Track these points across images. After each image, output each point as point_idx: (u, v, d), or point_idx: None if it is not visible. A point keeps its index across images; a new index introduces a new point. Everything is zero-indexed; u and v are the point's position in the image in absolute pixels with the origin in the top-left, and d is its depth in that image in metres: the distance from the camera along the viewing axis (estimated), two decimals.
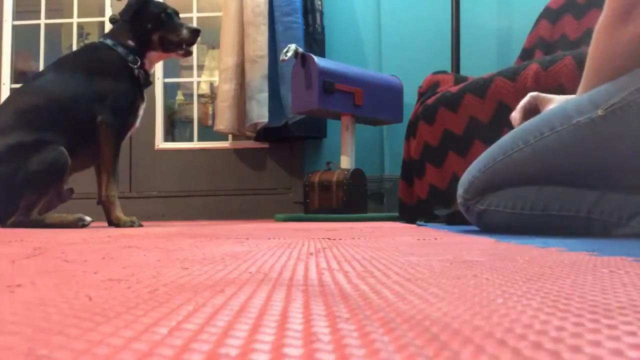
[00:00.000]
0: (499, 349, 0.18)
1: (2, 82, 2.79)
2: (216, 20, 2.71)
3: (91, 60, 1.66)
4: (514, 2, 2.63)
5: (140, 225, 1.60)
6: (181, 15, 2.82)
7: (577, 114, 0.90)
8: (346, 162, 2.28)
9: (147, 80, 1.73)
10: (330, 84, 2.13)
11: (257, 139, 2.64)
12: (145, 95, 1.73)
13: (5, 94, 2.78)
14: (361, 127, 2.49)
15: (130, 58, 1.66)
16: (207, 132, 2.93)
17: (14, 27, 2.84)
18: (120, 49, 1.67)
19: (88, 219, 1.52)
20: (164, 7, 1.74)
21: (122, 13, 1.70)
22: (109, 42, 1.68)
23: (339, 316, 0.23)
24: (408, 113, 1.99)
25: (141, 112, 1.72)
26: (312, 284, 0.34)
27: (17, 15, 2.86)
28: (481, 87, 1.60)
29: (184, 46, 1.74)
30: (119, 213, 1.62)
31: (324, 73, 2.13)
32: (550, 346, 0.18)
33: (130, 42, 1.68)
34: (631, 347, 0.18)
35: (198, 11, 2.82)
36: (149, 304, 0.26)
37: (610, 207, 0.89)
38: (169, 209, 2.76)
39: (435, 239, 0.81)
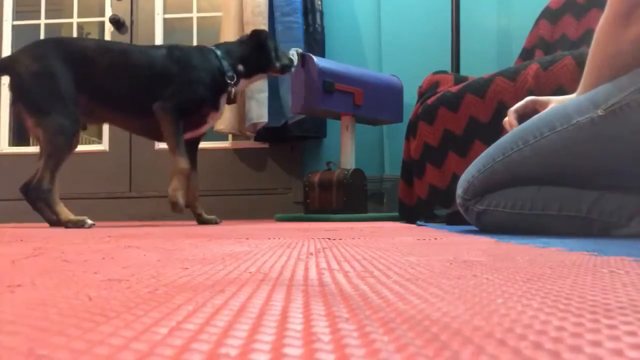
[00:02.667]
0: (499, 349, 0.18)
1: (2, 82, 2.79)
2: (216, 20, 2.71)
3: (194, 56, 1.78)
4: (514, 2, 2.63)
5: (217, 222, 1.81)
6: (181, 16, 2.85)
7: (577, 114, 0.90)
8: (346, 162, 2.28)
9: (232, 99, 1.85)
10: (330, 84, 2.13)
11: (257, 139, 2.64)
12: (221, 109, 1.85)
13: (5, 94, 2.79)
14: (361, 127, 2.49)
15: (230, 74, 1.80)
16: (207, 132, 2.93)
17: (14, 27, 2.84)
18: (225, 63, 1.80)
19: (90, 221, 1.53)
20: (275, 45, 1.93)
21: (246, 39, 1.90)
22: (219, 52, 1.82)
23: (339, 316, 0.23)
24: (408, 113, 1.99)
25: (210, 121, 1.84)
26: (312, 284, 0.34)
27: (17, 15, 2.86)
28: (481, 87, 1.60)
29: (282, 72, 1.96)
30: (174, 185, 1.72)
31: (324, 73, 2.13)
32: (550, 346, 0.18)
33: (240, 66, 1.84)
34: (631, 347, 0.18)
35: (198, 11, 2.82)
36: (149, 304, 0.26)
37: (610, 207, 0.89)
38: (169, 209, 2.75)
39: (435, 239, 0.81)
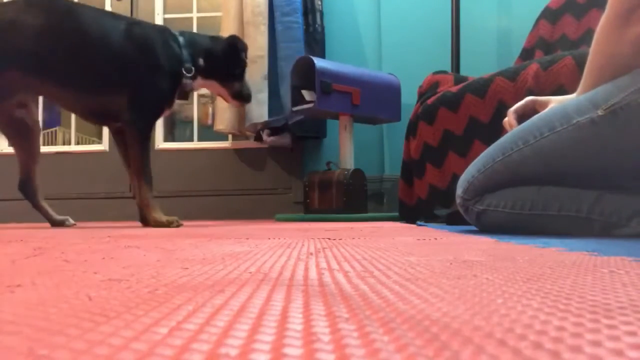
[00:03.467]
0: (499, 349, 0.18)
1: None
2: (216, 20, 2.71)
3: (153, 38, 1.56)
4: (514, 2, 2.63)
5: (180, 225, 1.53)
6: (181, 15, 2.85)
7: (577, 114, 0.90)
8: (345, 162, 2.28)
9: (184, 94, 1.66)
10: (327, 84, 2.13)
11: (257, 139, 2.64)
12: (173, 105, 1.66)
13: None
14: (361, 127, 2.49)
15: (188, 65, 1.59)
16: (207, 132, 2.93)
17: None
18: (185, 52, 1.59)
19: (72, 221, 1.53)
20: (245, 61, 1.76)
21: (221, 39, 1.70)
22: (181, 39, 1.60)
23: (339, 316, 0.23)
24: (408, 113, 1.99)
25: (164, 114, 1.65)
26: (312, 284, 0.34)
27: None
28: (481, 87, 1.60)
29: (236, 97, 1.75)
30: (156, 214, 1.53)
31: (321, 73, 2.13)
32: (550, 346, 0.18)
33: (201, 61, 1.62)
34: (631, 347, 0.18)
35: (198, 11, 2.82)
36: (149, 304, 0.26)
37: (610, 207, 0.89)
38: (169, 209, 2.75)
39: (435, 239, 0.81)
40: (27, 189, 1.68)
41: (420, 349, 0.18)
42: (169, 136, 3.11)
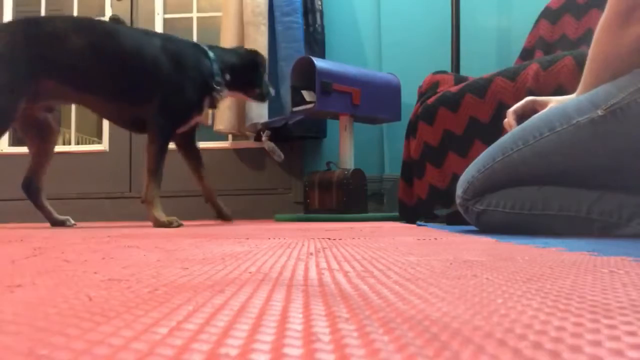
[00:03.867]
0: (499, 349, 0.18)
1: None
2: (216, 20, 2.71)
3: (186, 53, 1.69)
4: (514, 2, 2.63)
5: (180, 225, 1.58)
6: (181, 15, 2.85)
7: (577, 114, 0.90)
8: (345, 162, 2.28)
9: (215, 103, 1.80)
10: (328, 84, 2.13)
11: (257, 139, 2.64)
12: (204, 113, 1.80)
13: None
14: (361, 127, 2.49)
15: (218, 79, 1.73)
16: (207, 132, 2.93)
17: None
18: (215, 66, 1.72)
19: (72, 221, 1.54)
20: (262, 63, 1.90)
21: (243, 52, 1.86)
22: (211, 54, 1.74)
23: (339, 316, 0.23)
24: (408, 113, 1.99)
25: (192, 122, 1.77)
26: (312, 284, 0.34)
27: (17, 15, 2.86)
28: (481, 87, 1.60)
29: (258, 99, 1.95)
30: (156, 213, 1.59)
31: (321, 74, 2.13)
32: (550, 346, 0.18)
33: (227, 76, 1.77)
34: (631, 347, 0.18)
35: (198, 11, 2.82)
36: (149, 304, 0.26)
37: (610, 207, 0.89)
38: (169, 209, 2.75)
39: (435, 239, 0.81)
40: (31, 187, 1.70)
41: (420, 349, 0.18)
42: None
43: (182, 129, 1.74)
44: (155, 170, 1.63)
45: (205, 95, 1.71)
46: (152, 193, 1.61)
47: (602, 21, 0.88)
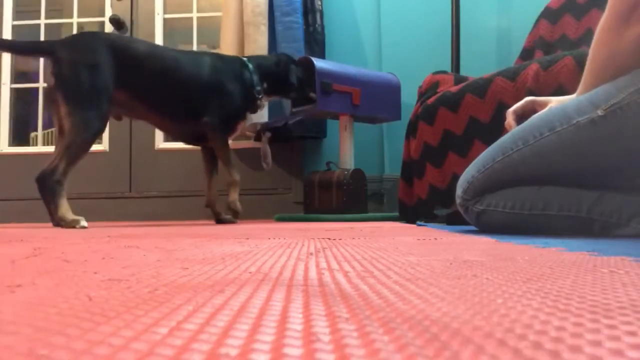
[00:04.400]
0: (499, 349, 0.18)
1: (2, 82, 2.79)
2: (216, 20, 2.71)
3: (232, 69, 1.92)
4: (514, 2, 2.63)
5: (234, 221, 1.94)
6: (181, 15, 2.85)
7: (577, 114, 0.90)
8: (345, 162, 2.28)
9: (255, 109, 2.00)
10: (328, 84, 2.13)
11: (257, 139, 2.64)
12: (247, 119, 2.06)
13: (6, 93, 2.79)
14: (361, 127, 2.49)
15: (258, 89, 1.95)
16: None
17: (14, 27, 2.84)
18: (255, 77, 1.94)
19: (84, 223, 1.52)
20: (300, 73, 2.10)
21: (278, 61, 2.02)
22: (250, 66, 1.95)
23: (339, 316, 0.23)
24: (408, 113, 1.99)
25: (238, 129, 1.97)
26: (312, 284, 0.34)
27: (17, 15, 2.86)
28: (481, 87, 1.60)
29: (298, 104, 2.20)
30: (235, 193, 1.92)
31: (321, 74, 2.13)
32: (550, 346, 0.18)
33: (265, 84, 1.97)
34: (631, 347, 0.18)
35: (198, 11, 2.82)
36: (149, 304, 0.26)
37: (610, 207, 0.89)
38: (169, 209, 2.75)
39: (435, 239, 0.81)
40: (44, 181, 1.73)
41: (420, 349, 0.18)
42: (169, 136, 3.11)
43: (232, 136, 1.96)
44: (230, 160, 1.90)
45: (248, 104, 1.94)
46: (235, 176, 1.91)
47: (603, 21, 0.88)
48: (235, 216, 1.93)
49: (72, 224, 1.48)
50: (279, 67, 2.01)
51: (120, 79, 1.66)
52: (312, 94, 2.13)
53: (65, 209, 1.52)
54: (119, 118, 1.87)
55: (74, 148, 1.54)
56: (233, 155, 2.81)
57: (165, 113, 1.82)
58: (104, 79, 1.62)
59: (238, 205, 1.91)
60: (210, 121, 1.83)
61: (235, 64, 1.94)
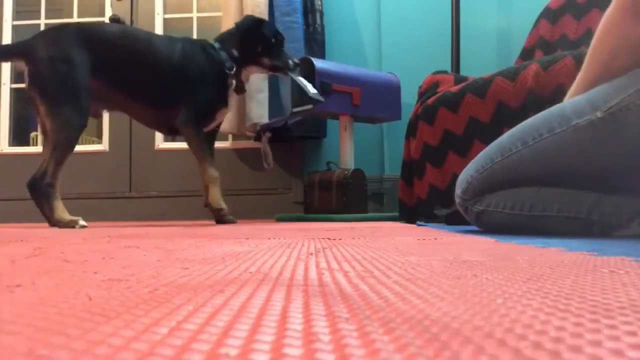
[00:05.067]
0: (499, 349, 0.18)
1: (2, 82, 2.79)
2: (216, 20, 2.71)
3: (201, 53, 1.78)
4: (514, 2, 2.63)
5: (234, 221, 1.80)
6: (181, 15, 2.85)
7: (575, 116, 0.90)
8: (345, 162, 2.28)
9: (239, 88, 1.84)
10: (327, 84, 2.13)
11: (257, 139, 2.64)
12: (230, 102, 1.83)
13: (5, 94, 2.79)
14: (361, 127, 2.49)
15: (228, 64, 1.77)
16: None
17: (14, 27, 2.84)
18: (223, 54, 1.78)
19: (83, 222, 1.52)
20: (275, 32, 1.88)
21: (239, 24, 1.84)
22: (216, 44, 1.81)
23: (339, 316, 0.23)
24: (408, 113, 1.99)
25: (221, 116, 1.84)
26: (312, 284, 0.34)
27: (17, 15, 2.86)
28: (481, 87, 1.60)
29: (285, 71, 1.88)
30: (215, 192, 1.79)
31: (321, 74, 2.13)
32: (550, 346, 0.18)
33: (235, 52, 1.79)
34: (631, 347, 0.18)
35: (198, 11, 2.82)
36: (149, 304, 0.26)
37: (610, 208, 0.89)
38: (169, 209, 2.75)
39: (435, 239, 0.81)
40: (35, 186, 1.72)
41: (420, 349, 0.18)
42: (169, 136, 3.11)
43: (210, 125, 1.82)
44: (204, 156, 1.77)
45: (225, 87, 1.78)
46: (211, 174, 1.78)
47: (609, 16, 0.87)
48: (218, 217, 1.81)
49: (71, 224, 1.48)
50: (240, 29, 1.83)
51: (94, 68, 1.60)
52: (294, 60, 1.90)
53: (61, 211, 1.52)
54: (97, 115, 1.80)
55: (60, 149, 1.52)
56: (233, 156, 2.82)
57: (142, 101, 1.74)
58: (79, 71, 1.56)
59: (222, 204, 1.80)
60: (182, 120, 1.74)
61: (198, 46, 1.81)
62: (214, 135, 1.92)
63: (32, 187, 1.53)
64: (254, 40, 1.82)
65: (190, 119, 1.74)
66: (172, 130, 1.83)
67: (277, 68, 1.87)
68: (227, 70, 1.76)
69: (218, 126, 1.92)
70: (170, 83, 1.72)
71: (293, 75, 1.93)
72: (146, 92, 1.72)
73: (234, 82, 1.79)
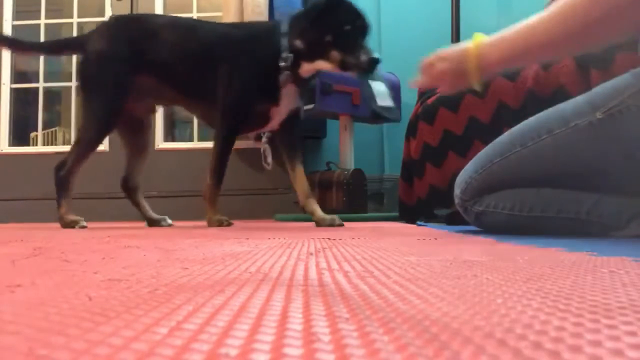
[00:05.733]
0: (499, 349, 0.18)
1: (2, 82, 2.79)
2: (216, 20, 2.71)
3: (252, 39, 1.52)
4: (514, 2, 2.63)
5: (230, 224, 1.50)
6: (181, 15, 2.85)
7: (575, 117, 0.89)
8: (345, 162, 2.28)
9: (303, 84, 1.52)
10: (328, 85, 2.13)
11: (257, 138, 2.64)
12: (286, 100, 1.51)
13: (5, 94, 2.78)
14: (361, 127, 2.49)
15: (284, 55, 1.43)
16: (207, 132, 2.93)
17: (14, 27, 2.84)
18: (284, 41, 1.45)
19: (83, 223, 1.52)
20: (356, 15, 1.45)
21: (308, 9, 1.49)
22: (284, 26, 1.47)
23: (339, 316, 0.23)
24: (408, 113, 1.99)
25: (276, 116, 1.54)
26: (312, 284, 0.34)
27: (17, 15, 2.86)
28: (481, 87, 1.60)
29: (357, 70, 1.47)
30: (211, 212, 1.55)
31: (322, 74, 2.12)
32: (550, 346, 0.18)
33: (297, 41, 1.43)
34: (631, 347, 0.18)
35: (198, 11, 2.82)
36: (149, 304, 0.26)
37: (609, 209, 0.89)
38: (169, 209, 2.75)
39: (435, 239, 0.81)
40: (128, 185, 1.69)
41: (420, 349, 0.18)
42: (169, 136, 3.11)
43: (266, 126, 1.59)
44: (216, 170, 1.58)
45: (275, 81, 1.46)
46: (211, 192, 1.56)
47: None
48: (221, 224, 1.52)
49: (71, 225, 1.48)
50: (307, 12, 1.46)
51: (143, 63, 1.50)
52: (372, 56, 1.41)
53: (64, 210, 1.52)
54: (152, 111, 1.67)
55: (82, 145, 1.52)
56: (233, 156, 2.80)
57: (192, 95, 1.57)
58: (119, 69, 1.49)
59: (215, 220, 1.53)
60: (217, 119, 1.53)
61: (259, 30, 1.56)
62: (292, 125, 1.61)
63: (54, 172, 1.54)
64: (323, 27, 1.41)
65: (223, 121, 1.52)
66: (254, 125, 1.64)
67: (347, 66, 1.44)
68: (281, 63, 1.44)
69: (292, 123, 1.60)
70: (216, 75, 1.50)
71: (366, 79, 1.56)
72: (195, 86, 1.54)
73: (287, 77, 1.45)
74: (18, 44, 1.70)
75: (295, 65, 1.44)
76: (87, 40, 1.54)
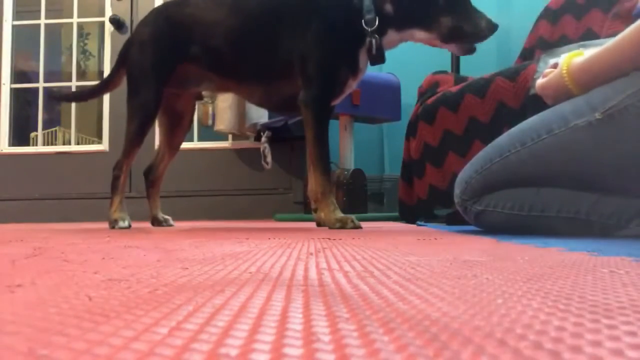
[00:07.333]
0: (499, 349, 0.18)
1: (2, 82, 2.79)
2: None
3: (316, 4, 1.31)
4: (514, 2, 2.63)
5: (359, 227, 1.21)
6: None
7: (574, 117, 0.89)
8: (345, 162, 2.28)
9: (379, 55, 1.30)
10: None
11: (257, 139, 2.64)
12: (362, 70, 1.34)
13: (6, 94, 2.78)
14: (361, 127, 2.49)
15: (370, 17, 1.23)
16: (207, 132, 2.93)
17: (14, 27, 2.84)
18: (366, 2, 1.25)
19: (123, 224, 1.46)
20: None
21: None
22: None
23: (339, 316, 0.23)
24: (408, 113, 1.99)
25: (347, 89, 1.35)
26: (312, 284, 0.34)
27: (17, 15, 2.86)
28: (481, 87, 1.60)
29: (469, 40, 1.28)
30: (329, 210, 1.25)
31: None
32: (550, 346, 0.18)
33: (388, 6, 1.24)
34: (631, 347, 0.18)
35: None
36: (149, 304, 0.26)
37: (609, 209, 0.89)
38: (169, 209, 2.75)
39: (435, 239, 0.81)
40: (149, 175, 1.72)
41: (420, 349, 0.18)
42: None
43: (338, 99, 1.36)
44: (319, 157, 1.28)
45: (357, 45, 1.27)
46: (320, 187, 1.26)
47: None
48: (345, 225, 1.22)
49: (110, 225, 1.47)
50: None
51: (189, 52, 1.39)
52: (490, 21, 1.29)
53: (113, 208, 1.52)
54: (200, 98, 1.63)
55: (127, 140, 1.51)
56: (233, 156, 2.82)
57: (247, 79, 1.40)
58: (159, 60, 1.41)
59: (337, 218, 1.23)
60: (303, 97, 1.28)
61: None
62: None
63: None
64: None
65: (311, 98, 1.28)
66: (286, 106, 1.44)
67: (460, 35, 1.25)
68: (364, 26, 1.24)
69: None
70: (279, 47, 1.31)
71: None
72: (254, 67, 1.37)
73: (372, 43, 1.25)
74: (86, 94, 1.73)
75: (379, 33, 1.26)
76: (133, 32, 1.50)
